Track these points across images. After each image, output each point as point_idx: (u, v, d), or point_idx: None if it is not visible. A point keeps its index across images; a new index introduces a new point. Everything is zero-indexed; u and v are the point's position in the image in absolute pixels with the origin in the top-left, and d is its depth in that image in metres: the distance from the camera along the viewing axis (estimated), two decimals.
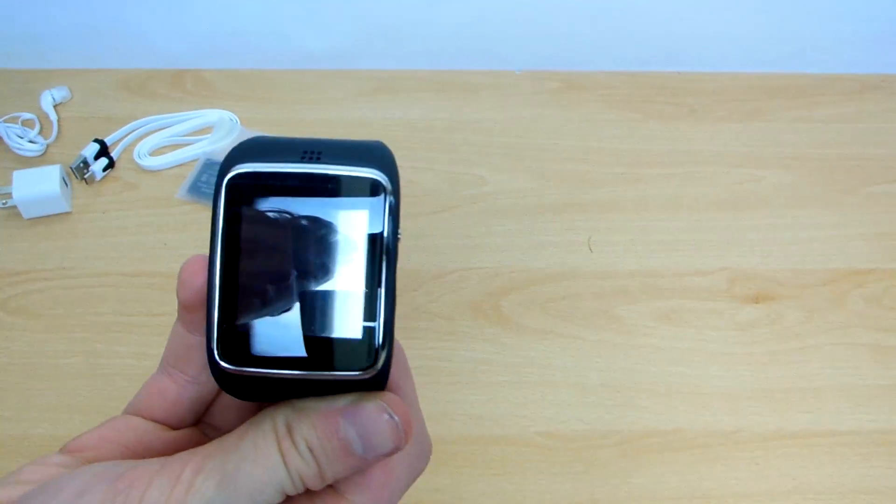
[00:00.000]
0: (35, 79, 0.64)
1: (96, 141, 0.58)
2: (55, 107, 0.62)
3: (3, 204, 0.55)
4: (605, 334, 0.50)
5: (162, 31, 0.64)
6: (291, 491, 0.22)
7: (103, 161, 0.58)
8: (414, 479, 0.25)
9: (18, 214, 0.55)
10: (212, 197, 0.22)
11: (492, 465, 0.45)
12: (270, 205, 0.21)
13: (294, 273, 0.21)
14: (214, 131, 0.61)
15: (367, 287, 0.21)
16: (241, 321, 0.21)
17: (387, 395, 0.23)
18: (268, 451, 0.21)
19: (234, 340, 0.21)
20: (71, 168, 0.56)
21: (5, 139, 0.59)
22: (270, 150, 0.22)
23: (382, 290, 0.21)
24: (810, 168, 0.60)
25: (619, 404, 0.47)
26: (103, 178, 0.58)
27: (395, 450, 0.22)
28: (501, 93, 0.65)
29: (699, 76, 0.66)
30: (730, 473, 0.45)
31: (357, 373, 0.21)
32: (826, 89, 0.66)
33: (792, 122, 0.63)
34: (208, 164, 0.59)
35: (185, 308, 0.24)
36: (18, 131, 0.59)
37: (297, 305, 0.21)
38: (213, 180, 0.57)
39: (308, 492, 0.22)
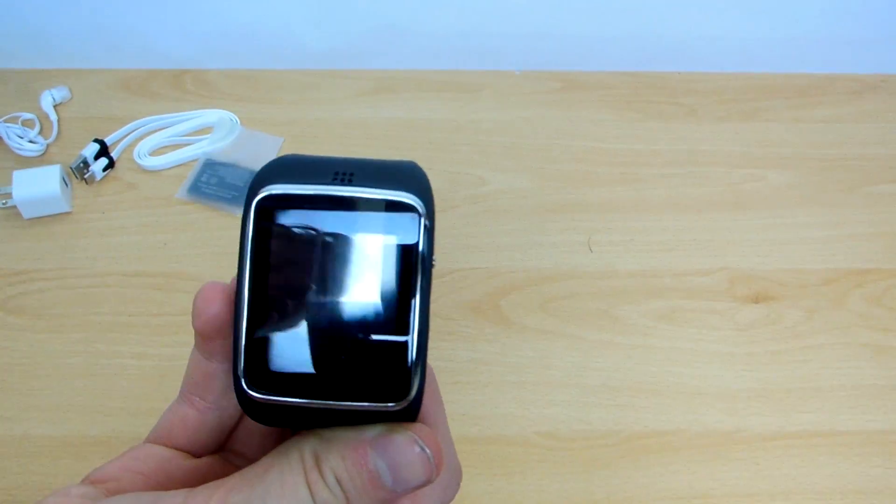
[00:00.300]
0: (35, 79, 0.64)
1: (96, 141, 0.58)
2: (55, 107, 0.62)
3: (3, 204, 0.55)
4: (605, 334, 0.50)
5: (162, 31, 0.64)
6: None
7: (103, 161, 0.58)
8: None
9: (18, 214, 0.55)
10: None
11: (492, 465, 0.45)
12: (301, 229, 0.20)
13: (326, 302, 0.20)
14: (214, 131, 0.61)
15: (400, 318, 0.21)
16: (270, 350, 0.21)
17: (418, 426, 0.22)
18: (294, 484, 0.21)
19: (262, 368, 0.21)
20: (71, 168, 0.56)
21: (5, 139, 0.59)
22: (301, 170, 0.21)
23: (416, 321, 0.21)
24: (810, 168, 0.60)
25: (619, 404, 0.47)
26: (103, 178, 0.58)
27: (426, 483, 0.22)
28: (501, 93, 0.65)
29: (699, 76, 0.66)
30: (730, 473, 0.45)
31: (389, 405, 0.21)
32: (826, 89, 0.66)
33: (792, 122, 0.63)
34: (208, 164, 0.59)
35: (201, 336, 0.24)
36: (18, 131, 0.59)
37: (327, 335, 0.21)
38: (213, 180, 0.57)
39: None
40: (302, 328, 0.21)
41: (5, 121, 0.60)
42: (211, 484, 0.22)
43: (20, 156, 0.59)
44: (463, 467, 0.45)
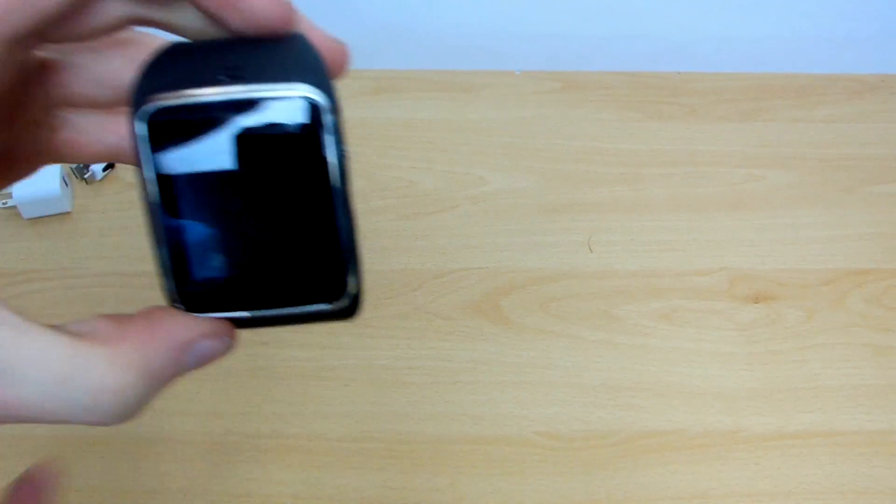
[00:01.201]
0: None
1: None
2: None
3: (3, 204, 0.55)
4: (605, 334, 0.50)
5: (162, 31, 0.64)
6: None
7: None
8: None
9: (18, 214, 0.55)
10: None
11: (492, 465, 0.45)
12: (198, 140, 0.19)
13: (243, 212, 0.20)
14: None
15: (323, 215, 0.20)
16: (196, 271, 0.20)
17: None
18: None
19: (196, 295, 0.21)
20: (71, 168, 0.56)
21: None
22: (187, 65, 0.20)
23: (341, 214, 0.20)
24: (810, 168, 0.60)
25: (619, 404, 0.47)
26: (103, 177, 0.58)
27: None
28: (501, 93, 0.65)
29: (699, 76, 0.66)
30: (730, 473, 0.45)
31: (328, 306, 0.20)
32: (826, 89, 0.66)
33: (792, 122, 0.63)
34: None
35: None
36: None
37: (251, 243, 0.20)
38: None
39: None
40: (225, 241, 0.20)
41: None
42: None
43: None
44: (463, 467, 0.45)
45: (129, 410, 0.19)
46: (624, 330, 0.51)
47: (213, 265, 0.20)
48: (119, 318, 0.20)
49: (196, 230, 0.20)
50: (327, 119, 0.19)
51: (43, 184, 0.54)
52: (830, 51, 0.66)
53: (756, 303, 0.52)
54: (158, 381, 0.20)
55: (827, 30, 0.65)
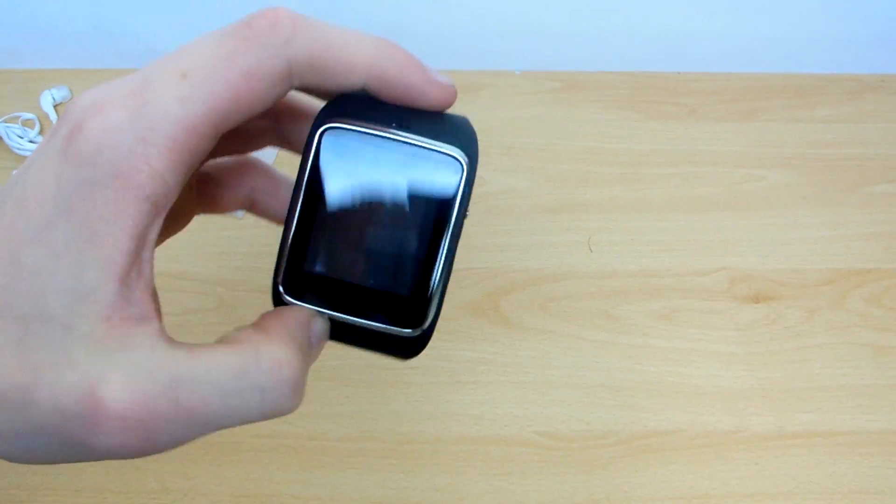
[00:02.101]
0: (35, 79, 0.64)
1: None
2: (55, 107, 0.62)
3: None
4: (605, 334, 0.50)
5: (162, 31, 0.64)
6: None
7: None
8: None
9: None
10: None
11: (492, 465, 0.45)
12: (356, 162, 0.22)
13: (366, 231, 0.22)
14: None
15: (429, 256, 0.22)
16: (307, 263, 0.23)
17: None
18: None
19: (298, 278, 0.23)
20: None
21: (5, 139, 0.59)
22: (366, 109, 0.22)
23: (441, 261, 0.22)
24: (810, 168, 0.60)
25: (618, 404, 0.47)
26: None
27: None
28: (501, 93, 0.65)
29: (699, 76, 0.66)
30: (730, 473, 0.45)
31: (405, 330, 0.23)
32: (826, 89, 0.66)
33: (792, 122, 0.63)
34: None
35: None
36: (18, 131, 0.59)
37: (361, 258, 0.22)
38: None
39: None
40: (340, 248, 0.22)
41: (5, 121, 0.60)
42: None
43: (20, 156, 0.59)
44: (463, 467, 0.45)
45: (300, 385, 0.21)
46: (624, 330, 0.51)
47: (321, 265, 0.23)
48: (254, 323, 0.22)
49: (321, 232, 0.22)
50: (463, 179, 0.22)
51: None
52: (830, 51, 0.66)
53: (756, 303, 0.52)
54: (306, 355, 0.22)
55: (827, 30, 0.65)
